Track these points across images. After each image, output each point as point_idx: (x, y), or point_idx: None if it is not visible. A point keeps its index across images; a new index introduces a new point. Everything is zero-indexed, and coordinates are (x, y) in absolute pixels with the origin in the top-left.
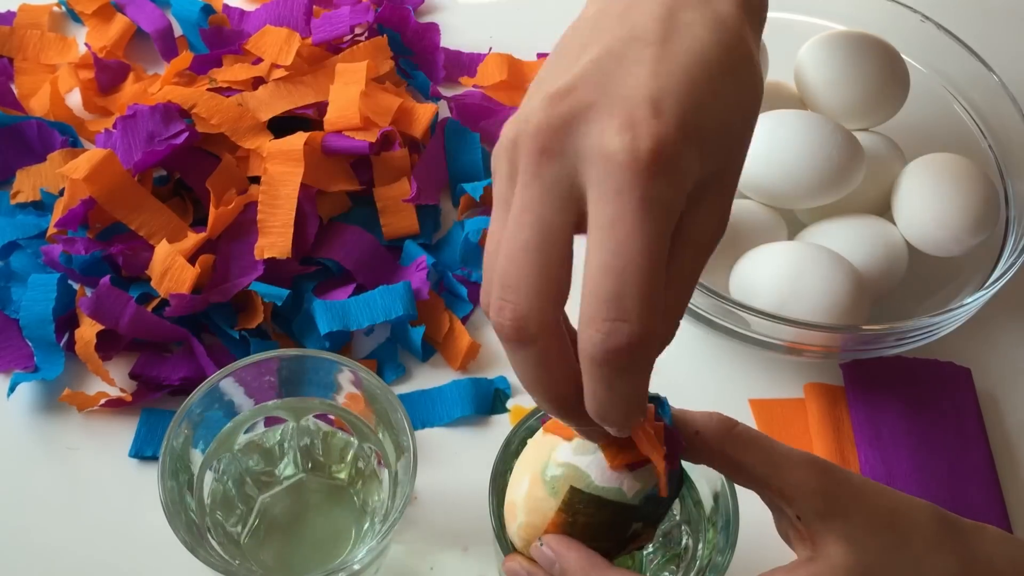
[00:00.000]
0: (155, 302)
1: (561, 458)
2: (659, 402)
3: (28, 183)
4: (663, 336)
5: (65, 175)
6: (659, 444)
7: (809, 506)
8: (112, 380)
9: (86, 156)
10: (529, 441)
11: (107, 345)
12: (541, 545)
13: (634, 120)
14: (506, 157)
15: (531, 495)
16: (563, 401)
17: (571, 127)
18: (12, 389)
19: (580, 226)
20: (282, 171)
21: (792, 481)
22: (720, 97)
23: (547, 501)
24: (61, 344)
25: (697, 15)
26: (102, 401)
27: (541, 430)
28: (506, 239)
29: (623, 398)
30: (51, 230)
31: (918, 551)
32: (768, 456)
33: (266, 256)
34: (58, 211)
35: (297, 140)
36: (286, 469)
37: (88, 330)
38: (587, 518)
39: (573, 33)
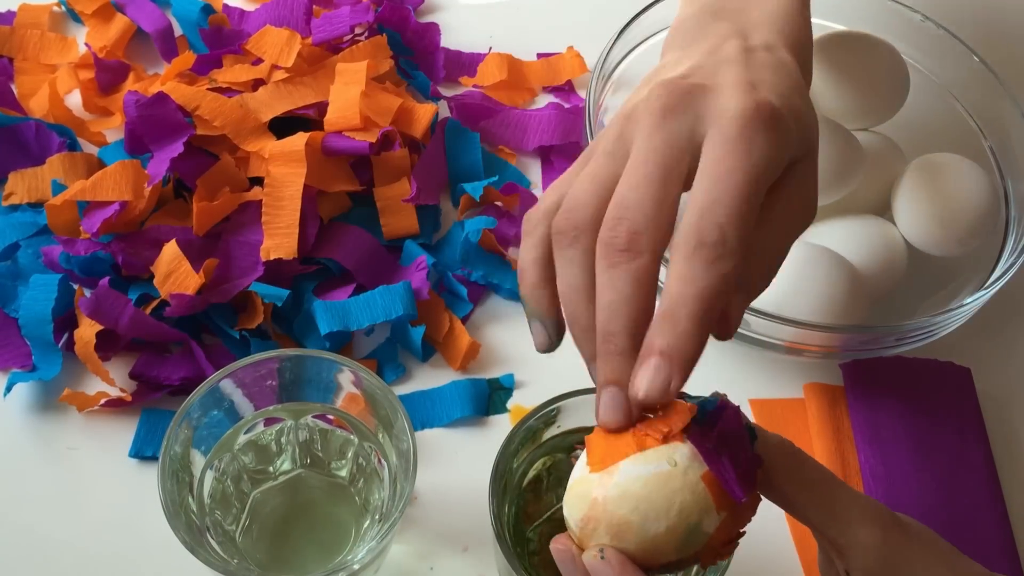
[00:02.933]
0: (154, 303)
1: (709, 529)
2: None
3: (22, 185)
4: (739, 266)
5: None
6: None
7: (861, 565)
8: (112, 380)
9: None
10: (660, 471)
11: (107, 345)
12: (601, 556)
13: (740, 91)
14: (618, 125)
15: (662, 541)
16: (640, 326)
17: (691, 95)
18: (9, 389)
19: (688, 183)
20: (285, 172)
21: (849, 536)
22: (795, 98)
23: (671, 551)
24: (60, 344)
25: (764, 54)
26: (102, 401)
27: (689, 472)
28: (628, 173)
29: (699, 295)
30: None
31: None
32: (829, 502)
33: (272, 257)
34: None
35: (298, 141)
36: (283, 465)
37: (88, 330)
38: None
39: (671, 42)
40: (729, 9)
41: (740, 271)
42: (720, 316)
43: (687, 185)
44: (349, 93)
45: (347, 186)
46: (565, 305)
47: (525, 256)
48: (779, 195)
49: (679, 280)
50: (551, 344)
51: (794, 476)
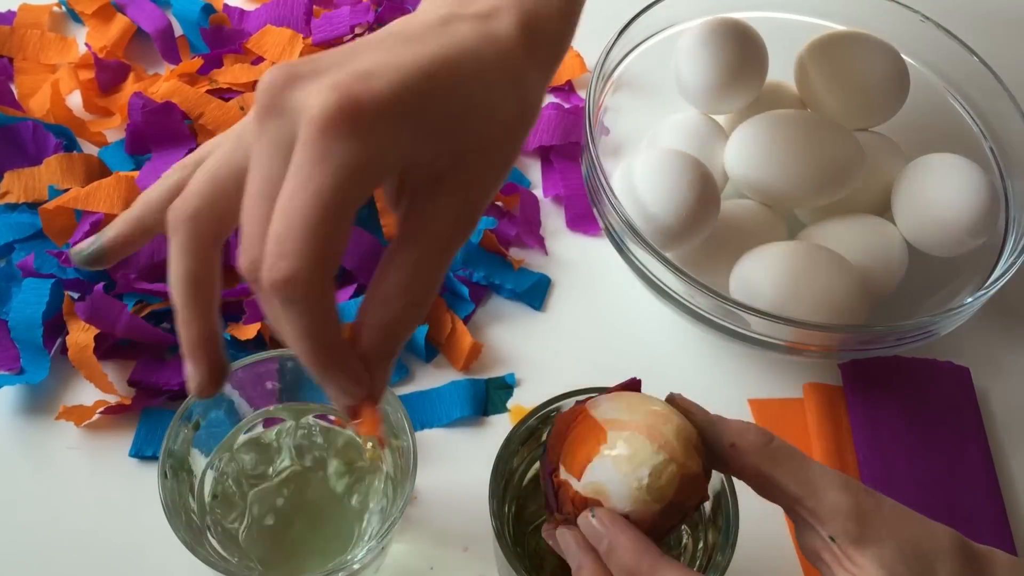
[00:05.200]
0: (147, 309)
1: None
2: None
3: (19, 185)
4: (320, 290)
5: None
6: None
7: (844, 529)
8: (110, 386)
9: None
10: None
11: (97, 348)
12: (592, 517)
13: (338, 83)
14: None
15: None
16: (333, 356)
17: (290, 88)
18: None
19: None
20: None
21: (827, 503)
22: (460, 95)
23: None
24: (52, 351)
25: (468, 27)
26: (100, 410)
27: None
28: (246, 191)
29: (297, 335)
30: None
31: None
32: (803, 475)
33: None
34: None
35: None
36: (283, 464)
37: (83, 335)
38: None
39: None
40: None
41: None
42: (365, 367)
43: None
44: None
45: None
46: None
47: (147, 194)
48: (428, 207)
49: (278, 318)
50: (80, 255)
51: (764, 453)
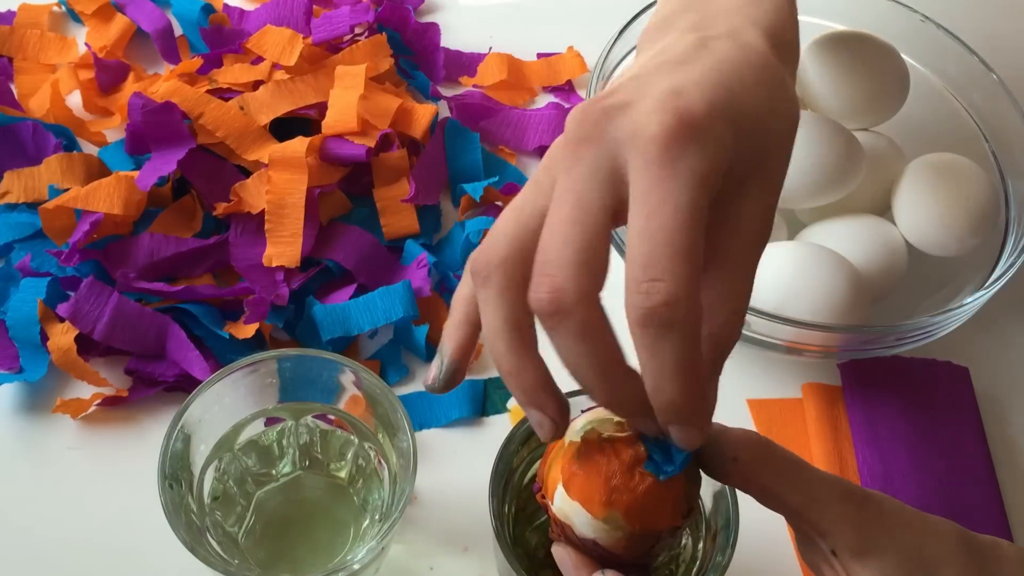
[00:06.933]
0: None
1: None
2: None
3: (18, 184)
4: (699, 311)
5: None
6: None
7: (845, 542)
8: (103, 380)
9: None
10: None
11: (89, 344)
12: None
13: (661, 104)
14: (551, 150)
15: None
16: (613, 379)
17: (607, 119)
18: None
19: (620, 214)
20: (287, 179)
21: (829, 515)
22: (751, 95)
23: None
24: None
25: (726, 44)
26: (97, 402)
27: None
28: (549, 215)
29: (673, 368)
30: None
31: None
32: (805, 486)
33: (275, 265)
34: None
35: (299, 146)
36: (284, 467)
37: (63, 338)
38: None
39: (641, 42)
40: None
41: (700, 318)
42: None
43: (621, 218)
44: (347, 98)
45: (344, 183)
46: (487, 348)
47: (456, 293)
48: (734, 209)
49: (645, 353)
50: (435, 384)
51: (768, 466)
